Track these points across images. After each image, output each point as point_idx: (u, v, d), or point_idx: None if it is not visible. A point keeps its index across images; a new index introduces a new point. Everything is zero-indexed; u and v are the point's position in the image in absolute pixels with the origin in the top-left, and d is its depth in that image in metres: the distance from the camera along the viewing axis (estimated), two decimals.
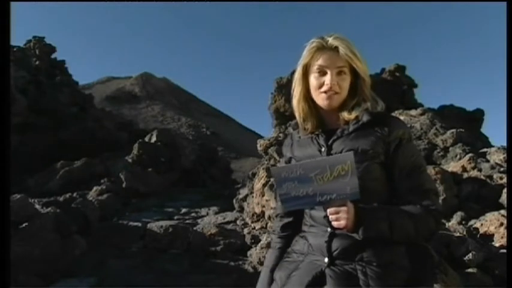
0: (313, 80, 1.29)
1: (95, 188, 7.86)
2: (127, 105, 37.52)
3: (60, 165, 9.39)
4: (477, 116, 8.87)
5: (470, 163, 4.89)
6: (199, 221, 6.25)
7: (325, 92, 1.27)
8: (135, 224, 5.82)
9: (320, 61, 1.26)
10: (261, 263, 4.13)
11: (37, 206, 5.24)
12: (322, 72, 1.27)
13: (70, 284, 3.90)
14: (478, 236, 3.71)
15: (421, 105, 8.88)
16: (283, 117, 8.48)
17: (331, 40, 1.26)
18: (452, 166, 5.05)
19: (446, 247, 3.15)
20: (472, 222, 4.01)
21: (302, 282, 1.19)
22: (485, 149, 5.54)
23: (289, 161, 1.43)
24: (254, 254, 4.38)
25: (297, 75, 1.34)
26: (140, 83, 45.56)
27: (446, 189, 4.37)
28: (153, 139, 11.27)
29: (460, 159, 5.24)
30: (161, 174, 10.13)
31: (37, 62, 14.51)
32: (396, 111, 7.16)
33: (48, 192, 8.03)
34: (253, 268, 4.26)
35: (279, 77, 8.94)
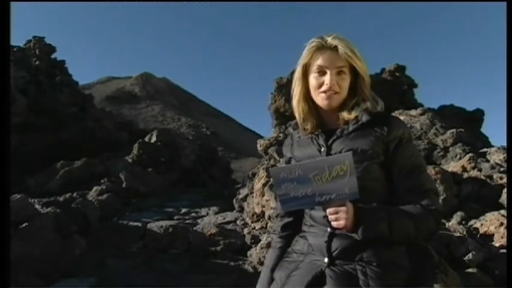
0: (312, 80, 1.29)
1: (95, 188, 7.86)
2: (127, 105, 37.53)
3: (60, 165, 9.39)
4: (477, 116, 8.87)
5: (470, 163, 4.89)
6: (199, 221, 6.25)
7: (324, 91, 1.27)
8: (135, 224, 5.82)
9: (319, 61, 1.26)
10: (261, 263, 4.13)
11: (37, 206, 5.24)
12: (321, 72, 1.27)
13: (70, 284, 3.90)
14: (478, 236, 3.71)
15: (421, 105, 8.89)
16: (283, 117, 8.48)
17: (330, 39, 1.26)
18: (452, 166, 5.05)
19: (446, 247, 3.15)
20: (472, 222, 4.01)
21: (302, 282, 1.19)
22: (485, 149, 5.54)
23: (289, 161, 1.43)
24: (254, 254, 4.38)
25: (297, 75, 1.34)
26: (140, 83, 45.57)
27: (446, 189, 4.37)
28: (153, 139, 11.27)
29: (460, 159, 5.24)
30: (161, 174, 10.13)
31: (37, 62, 14.51)
32: (396, 111, 7.16)
33: (48, 192, 8.03)
34: (253, 268, 4.26)
35: (279, 77, 8.94)
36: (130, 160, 10.10)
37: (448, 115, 8.18)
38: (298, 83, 1.34)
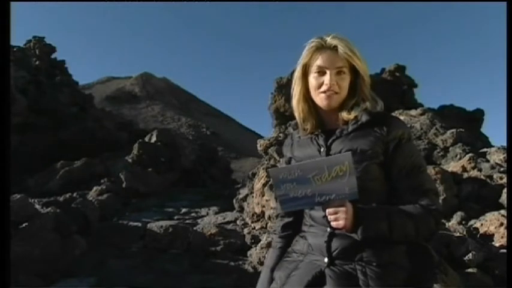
0: (312, 80, 1.29)
1: (95, 188, 7.86)
2: (127, 105, 37.53)
3: (60, 165, 9.39)
4: (477, 116, 8.87)
5: (470, 163, 4.89)
6: (199, 221, 6.25)
7: (324, 92, 1.27)
8: (135, 224, 5.82)
9: (319, 61, 1.26)
10: (261, 263, 4.13)
11: (37, 206, 5.24)
12: (321, 72, 1.27)
13: (70, 284, 3.90)
14: (478, 236, 3.71)
15: (421, 105, 8.88)
16: (283, 117, 8.48)
17: (330, 39, 1.26)
18: (452, 166, 5.05)
19: (446, 247, 3.15)
20: (472, 222, 4.01)
21: (301, 282, 1.19)
22: (485, 149, 5.54)
23: (289, 161, 1.43)
24: (254, 254, 4.38)
25: (297, 75, 1.34)
26: (140, 83, 45.57)
27: (446, 189, 4.37)
28: (153, 139, 11.27)
29: (460, 159, 5.24)
30: (161, 174, 10.13)
31: (37, 62, 14.51)
32: (396, 111, 7.16)
33: (48, 192, 8.03)
34: (253, 268, 4.26)
35: (279, 77, 8.94)
36: (130, 160, 10.10)
37: (448, 115, 8.18)
38: (298, 82, 1.34)
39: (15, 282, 3.44)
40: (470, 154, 5.09)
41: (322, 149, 1.27)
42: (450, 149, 5.65)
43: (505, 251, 3.31)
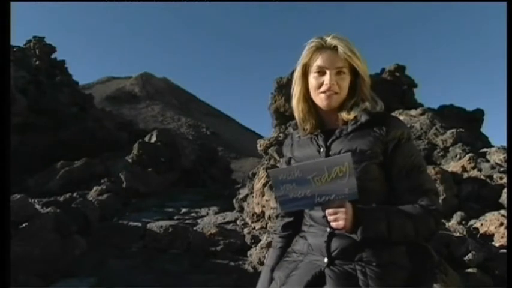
0: (312, 80, 1.29)
1: (95, 188, 7.86)
2: (127, 105, 37.53)
3: (60, 165, 9.40)
4: (477, 116, 8.87)
5: (470, 163, 4.89)
6: (199, 221, 6.25)
7: (324, 92, 1.27)
8: (135, 224, 5.82)
9: (319, 61, 1.26)
10: (261, 263, 4.13)
11: (37, 206, 5.24)
12: (321, 72, 1.27)
13: (70, 284, 3.90)
14: (478, 236, 3.71)
15: (421, 105, 8.89)
16: (283, 117, 8.48)
17: (329, 39, 1.26)
18: (452, 166, 5.05)
19: (446, 247, 3.15)
20: (472, 222, 4.01)
21: (301, 282, 1.19)
22: (485, 149, 5.54)
23: (289, 161, 1.43)
24: (254, 254, 4.38)
25: (297, 75, 1.34)
26: (140, 83, 45.57)
27: (446, 189, 4.37)
28: (153, 139, 11.27)
29: (460, 159, 5.24)
30: (161, 174, 10.13)
31: (37, 62, 14.51)
32: (396, 111, 7.16)
33: (48, 192, 8.03)
34: (253, 268, 4.26)
35: (279, 77, 8.95)
36: (130, 160, 10.10)
37: (448, 115, 8.19)
38: (298, 82, 1.34)
39: (15, 282, 3.44)
40: (470, 154, 5.09)
41: (321, 149, 1.27)
42: (450, 149, 5.65)
43: (505, 251, 3.31)
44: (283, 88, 8.55)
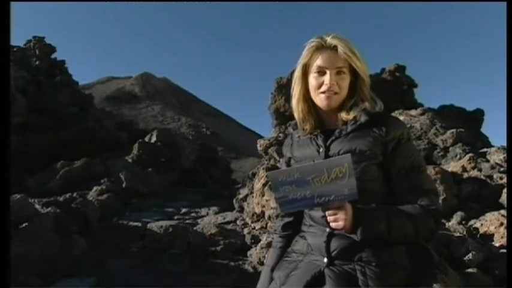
0: (312, 80, 1.29)
1: (95, 188, 7.86)
2: (127, 105, 37.53)
3: (60, 165, 9.40)
4: (477, 116, 8.87)
5: (470, 163, 4.89)
6: (199, 221, 6.25)
7: (324, 92, 1.26)
8: (135, 224, 5.82)
9: (319, 61, 1.26)
10: (261, 263, 4.13)
11: (37, 206, 5.24)
12: (321, 72, 1.27)
13: (70, 284, 3.90)
14: (478, 236, 3.71)
15: (421, 105, 8.89)
16: (283, 117, 8.48)
17: (329, 39, 1.26)
18: (452, 166, 5.05)
19: (446, 247, 3.15)
20: (472, 222, 4.01)
21: (301, 282, 1.19)
22: (485, 149, 5.54)
23: (288, 160, 1.43)
24: (254, 254, 4.38)
25: (297, 75, 1.34)
26: (140, 83, 45.57)
27: (446, 189, 4.37)
28: (153, 139, 11.27)
29: (460, 159, 5.24)
30: (161, 174, 10.13)
31: (37, 62, 14.51)
32: (396, 111, 7.16)
33: (48, 192, 8.03)
34: (253, 268, 4.26)
35: (279, 77, 8.95)
36: (130, 160, 10.10)
37: (448, 115, 8.19)
38: (298, 82, 1.34)
39: (15, 282, 3.44)
40: (470, 154, 5.09)
41: (321, 149, 1.27)
42: (450, 149, 5.65)
43: (505, 251, 3.31)
44: (283, 88, 8.56)
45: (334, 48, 1.25)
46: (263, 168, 5.89)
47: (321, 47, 1.27)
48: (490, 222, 3.78)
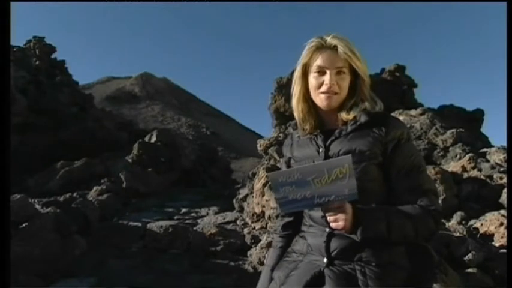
0: (312, 79, 1.29)
1: (95, 188, 7.86)
2: (127, 105, 37.54)
3: (60, 165, 9.40)
4: (477, 116, 8.87)
5: (470, 163, 4.89)
6: (199, 221, 6.25)
7: (324, 92, 1.26)
8: (135, 224, 5.82)
9: (319, 61, 1.26)
10: (261, 263, 4.13)
11: (37, 206, 5.24)
12: (321, 72, 1.26)
13: (70, 284, 3.90)
14: (478, 236, 3.71)
15: (421, 105, 8.89)
16: (283, 117, 8.49)
17: (329, 39, 1.26)
18: (452, 166, 5.05)
19: (446, 247, 3.15)
20: (472, 222, 4.01)
21: (300, 282, 1.19)
22: (485, 149, 5.54)
23: (288, 160, 1.43)
24: (254, 254, 4.38)
25: (297, 75, 1.34)
26: (140, 83, 45.58)
27: (446, 189, 4.37)
28: (153, 139, 11.27)
29: (460, 159, 5.24)
30: (161, 174, 10.13)
31: (37, 62, 14.51)
32: (396, 111, 7.16)
33: (48, 192, 8.03)
34: (253, 268, 4.25)
35: (279, 77, 8.95)
36: (130, 160, 10.10)
37: (448, 115, 8.19)
38: (298, 82, 1.34)
39: (15, 282, 3.44)
40: (470, 154, 5.09)
41: (320, 150, 1.27)
42: (450, 149, 5.65)
43: (505, 251, 3.31)
44: (283, 88, 8.56)
45: (334, 48, 1.25)
46: (263, 168, 5.89)
47: (321, 47, 1.27)
48: (490, 222, 3.78)
